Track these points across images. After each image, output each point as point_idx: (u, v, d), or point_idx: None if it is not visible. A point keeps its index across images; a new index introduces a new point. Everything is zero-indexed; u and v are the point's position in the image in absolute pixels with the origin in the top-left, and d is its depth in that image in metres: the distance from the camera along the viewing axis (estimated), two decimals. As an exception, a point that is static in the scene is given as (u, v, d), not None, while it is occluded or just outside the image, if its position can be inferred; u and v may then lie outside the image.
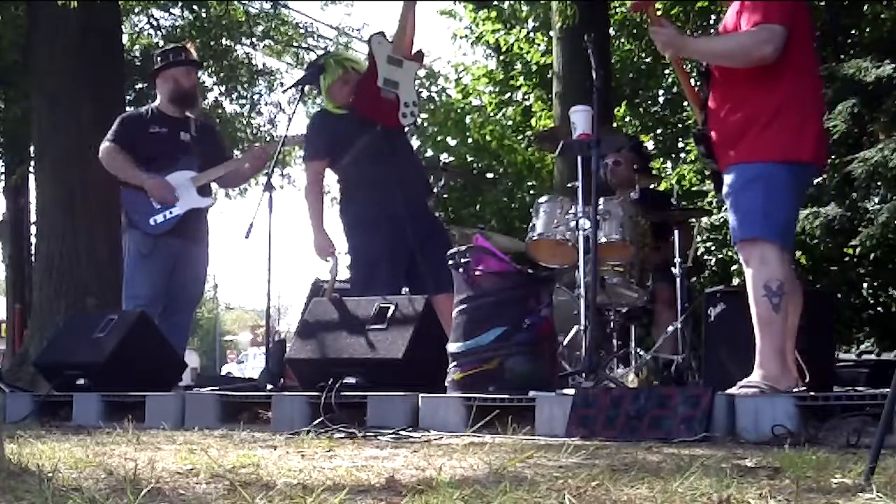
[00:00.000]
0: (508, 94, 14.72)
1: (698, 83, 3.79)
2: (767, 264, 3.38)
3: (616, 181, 5.46)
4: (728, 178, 3.53)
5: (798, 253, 8.99)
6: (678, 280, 4.96)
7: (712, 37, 3.46)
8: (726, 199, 3.56)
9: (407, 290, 4.83)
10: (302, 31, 15.04)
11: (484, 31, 14.47)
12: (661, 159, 13.74)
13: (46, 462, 2.39)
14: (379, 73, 4.79)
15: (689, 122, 13.28)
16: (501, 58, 14.70)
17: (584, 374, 3.69)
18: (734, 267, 10.22)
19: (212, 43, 13.16)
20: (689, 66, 3.96)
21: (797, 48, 3.43)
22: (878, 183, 7.85)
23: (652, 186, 6.01)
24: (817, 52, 3.62)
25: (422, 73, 14.55)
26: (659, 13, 3.92)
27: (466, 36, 15.06)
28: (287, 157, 13.55)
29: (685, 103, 13.56)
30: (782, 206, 3.47)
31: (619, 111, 12.54)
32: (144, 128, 5.42)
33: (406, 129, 5.10)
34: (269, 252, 4.68)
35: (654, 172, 6.32)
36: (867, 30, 9.71)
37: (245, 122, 14.49)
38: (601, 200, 4.54)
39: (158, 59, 5.62)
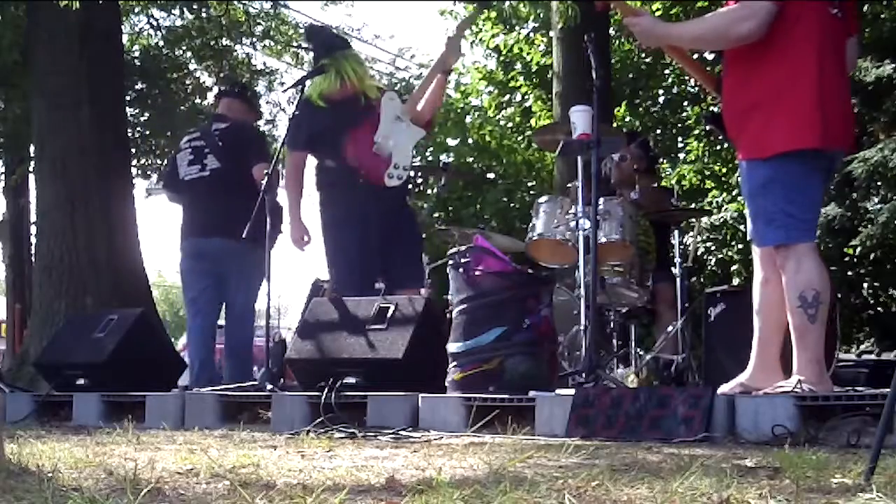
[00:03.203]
0: (508, 96, 14.71)
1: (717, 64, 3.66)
2: (802, 270, 3.23)
3: (619, 177, 5.43)
4: (743, 177, 3.45)
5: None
6: (678, 280, 4.96)
7: (691, 20, 3.25)
8: (745, 198, 3.47)
9: (383, 286, 4.81)
10: (302, 31, 15.02)
11: (484, 34, 14.45)
12: (661, 159, 13.73)
13: (46, 462, 2.39)
14: (379, 129, 4.72)
15: (690, 122, 13.28)
16: (501, 58, 14.69)
17: (584, 374, 3.69)
18: (734, 267, 10.23)
19: (212, 43, 13.15)
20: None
21: (801, 25, 3.24)
22: (879, 183, 7.86)
23: (653, 186, 6.00)
24: (834, 25, 3.34)
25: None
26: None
27: (464, 37, 15.03)
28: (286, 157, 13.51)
29: (685, 103, 13.56)
30: (804, 201, 3.32)
31: (619, 111, 12.53)
32: None
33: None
34: (268, 252, 4.68)
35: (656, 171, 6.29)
36: (867, 30, 9.71)
37: (244, 122, 14.46)
38: (601, 200, 4.53)
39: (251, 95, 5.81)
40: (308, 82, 4.84)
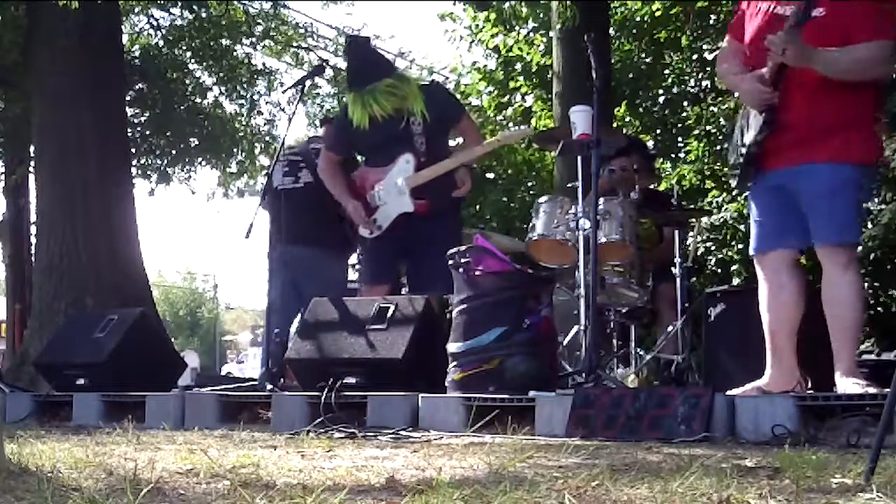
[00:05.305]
0: (508, 96, 14.70)
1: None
2: (857, 270, 3.45)
3: (618, 182, 5.41)
4: (817, 176, 3.45)
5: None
6: (678, 280, 4.95)
7: (839, 51, 3.46)
8: (816, 198, 3.45)
9: (406, 290, 4.86)
10: (302, 31, 15.03)
11: (483, 34, 14.44)
12: (661, 159, 13.72)
13: (46, 462, 2.40)
14: (383, 181, 4.77)
15: (690, 122, 13.27)
16: (501, 58, 14.68)
17: (584, 374, 3.69)
18: (734, 267, 10.21)
19: (212, 43, 13.14)
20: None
21: None
22: (879, 183, 7.84)
23: (652, 186, 6.00)
24: None
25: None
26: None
27: (463, 37, 15.04)
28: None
29: (685, 103, 13.53)
30: (863, 210, 3.66)
31: (619, 111, 12.51)
32: None
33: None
34: (270, 253, 4.68)
35: (655, 172, 6.30)
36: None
37: (245, 122, 14.47)
38: (601, 200, 4.53)
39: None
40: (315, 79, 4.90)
